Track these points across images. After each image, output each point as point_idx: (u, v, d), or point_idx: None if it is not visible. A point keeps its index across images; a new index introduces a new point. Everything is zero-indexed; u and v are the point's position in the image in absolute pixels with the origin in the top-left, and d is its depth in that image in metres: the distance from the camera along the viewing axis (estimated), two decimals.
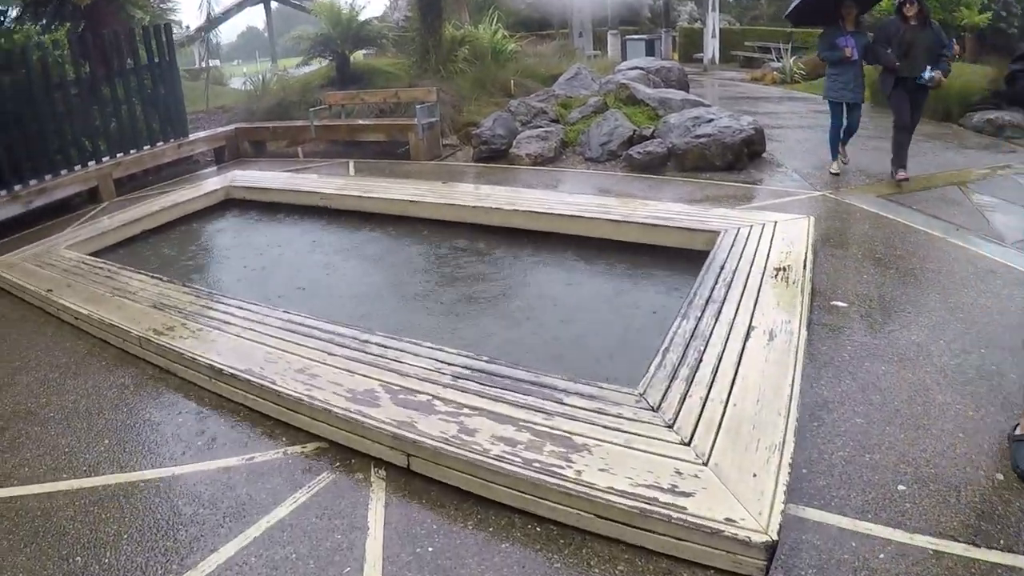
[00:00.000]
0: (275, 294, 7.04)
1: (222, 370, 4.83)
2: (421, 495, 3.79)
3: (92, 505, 4.01)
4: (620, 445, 3.57)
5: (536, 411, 3.93)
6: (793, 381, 4.09)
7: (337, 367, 4.65)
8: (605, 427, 3.73)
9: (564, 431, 3.73)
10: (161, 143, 13.52)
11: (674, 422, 3.73)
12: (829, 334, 5.35)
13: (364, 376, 4.49)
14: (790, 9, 9.87)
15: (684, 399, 3.93)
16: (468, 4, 19.33)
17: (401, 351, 4.78)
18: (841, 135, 9.89)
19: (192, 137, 14.31)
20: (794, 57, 21.74)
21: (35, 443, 4.71)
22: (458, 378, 4.36)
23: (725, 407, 3.85)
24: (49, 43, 11.93)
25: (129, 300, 6.32)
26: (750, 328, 4.76)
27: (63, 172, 11.46)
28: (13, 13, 14.02)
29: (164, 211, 9.71)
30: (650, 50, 25.64)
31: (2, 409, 5.20)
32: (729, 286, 5.43)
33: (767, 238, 6.51)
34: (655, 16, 35.17)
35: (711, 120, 10.92)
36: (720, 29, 27.31)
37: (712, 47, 26.65)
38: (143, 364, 5.64)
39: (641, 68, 15.51)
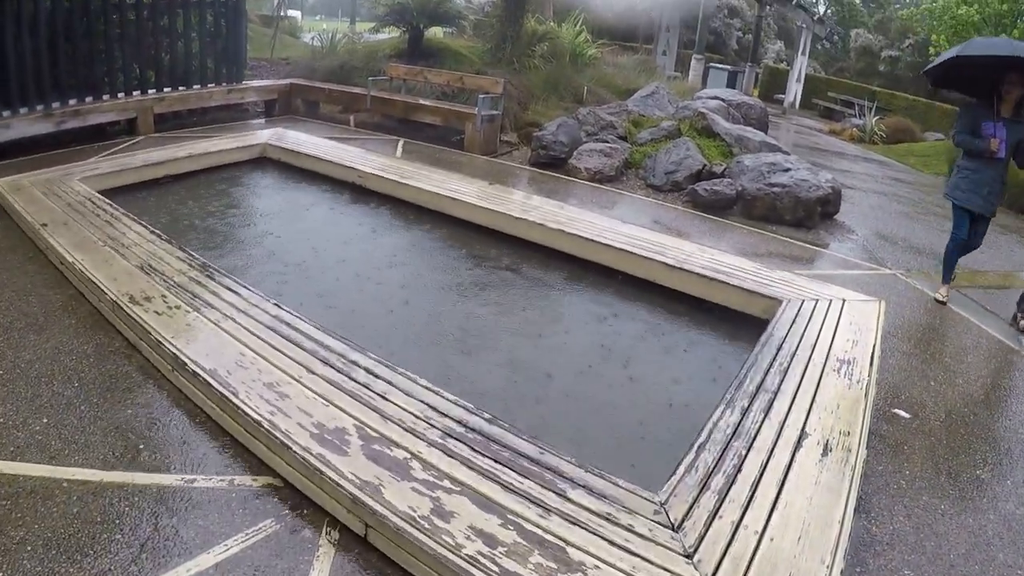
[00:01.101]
0: (275, 272, 6.52)
1: (185, 364, 4.18)
2: None
3: (6, 498, 3.41)
4: (624, 572, 2.85)
5: (531, 502, 3.21)
6: (844, 517, 3.33)
7: (312, 391, 3.97)
8: (610, 543, 3.00)
9: (559, 538, 3.01)
10: (212, 85, 12.98)
11: (695, 551, 3.00)
12: (887, 450, 4.60)
13: (340, 409, 3.80)
14: (932, 65, 7.38)
15: (712, 519, 3.19)
16: (554, 1, 18.58)
17: (390, 385, 4.07)
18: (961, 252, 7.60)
19: (244, 85, 13.74)
20: (876, 117, 20.91)
21: None
22: (448, 435, 3.65)
23: (760, 539, 3.11)
24: None
25: (118, 254, 5.71)
26: (803, 434, 4.00)
27: (105, 97, 10.95)
28: None
29: (193, 158, 9.11)
30: (732, 82, 24.84)
31: None
32: (785, 374, 4.67)
33: (832, 319, 5.73)
34: (742, 49, 34.43)
35: (788, 170, 10.13)
36: (805, 74, 26.45)
37: (795, 91, 25.86)
38: (112, 332, 5.02)
39: (722, 99, 14.68)
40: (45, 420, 4.03)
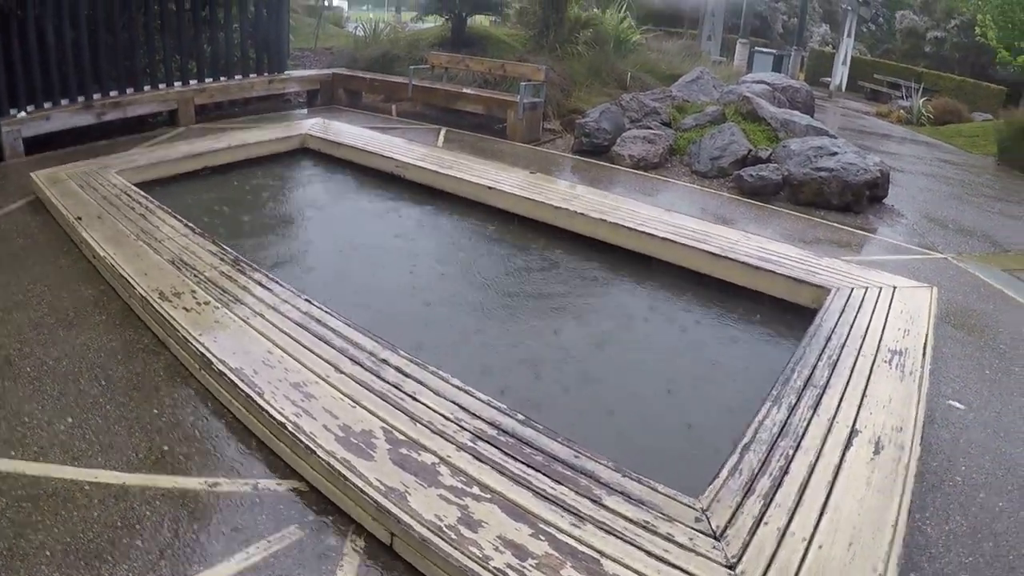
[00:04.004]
0: (309, 265, 6.54)
1: (211, 362, 4.09)
2: None
3: (28, 500, 3.35)
4: None
5: (565, 509, 3.05)
6: (898, 520, 3.12)
7: (339, 391, 3.84)
8: (647, 553, 2.83)
9: (593, 549, 2.84)
10: (254, 75, 13.00)
11: (738, 561, 2.82)
12: (941, 445, 4.37)
13: (367, 410, 3.67)
14: None
15: (757, 526, 3.01)
16: None
17: (421, 384, 3.93)
18: None
19: (286, 75, 13.72)
20: (923, 98, 20.42)
21: None
22: (478, 438, 3.49)
23: (808, 547, 2.92)
24: None
25: (151, 248, 5.66)
26: (853, 431, 3.79)
27: (146, 88, 10.99)
28: None
29: (231, 150, 9.03)
30: (777, 66, 24.37)
31: None
32: (834, 367, 4.45)
33: (883, 307, 5.49)
34: (788, 32, 33.87)
35: (835, 153, 9.83)
36: (851, 57, 25.90)
37: (841, 74, 25.32)
38: (142, 328, 4.96)
39: (767, 83, 14.35)
40: (70, 420, 3.97)
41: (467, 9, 16.14)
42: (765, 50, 26.28)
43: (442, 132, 12.35)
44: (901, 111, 20.51)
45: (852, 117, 19.94)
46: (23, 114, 9.23)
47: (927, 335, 5.08)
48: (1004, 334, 6.04)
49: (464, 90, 13.10)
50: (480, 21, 19.43)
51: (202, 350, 4.21)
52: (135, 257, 5.50)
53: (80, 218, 6.28)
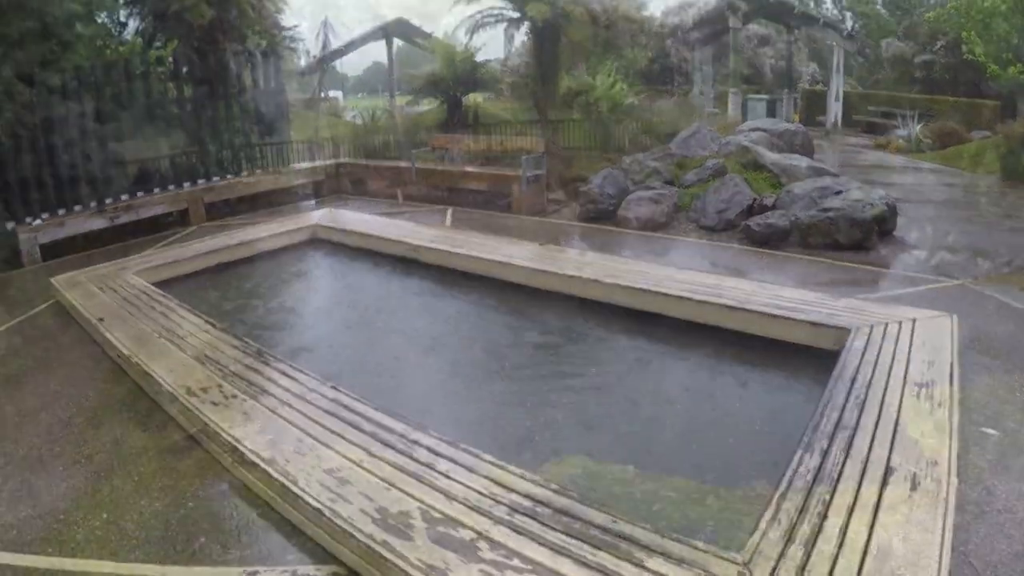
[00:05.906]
0: (332, 353, 6.60)
1: (244, 454, 4.14)
2: None
3: None
4: None
5: None
6: (941, 555, 3.10)
7: (374, 475, 3.87)
8: None
9: None
10: (259, 171, 13.25)
11: None
12: (978, 472, 4.30)
13: (402, 492, 3.70)
14: None
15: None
16: (587, 54, 18.57)
17: (453, 462, 3.96)
18: None
19: (291, 168, 14.00)
20: (920, 125, 20.43)
21: (33, 501, 4.21)
22: (515, 511, 3.50)
23: None
24: (153, 59, 11.74)
25: (175, 346, 5.77)
26: (888, 470, 3.78)
27: (156, 191, 11.27)
28: (132, 25, 14.03)
29: (244, 245, 9.24)
30: (771, 111, 24.64)
31: (14, 451, 4.77)
32: (862, 407, 4.45)
33: (905, 341, 5.50)
34: (777, 76, 34.24)
35: (839, 192, 9.89)
36: (843, 92, 26.11)
37: (835, 111, 25.45)
38: (171, 424, 5.03)
39: (764, 130, 14.52)
40: (105, 516, 4.03)
41: (461, 89, 16.44)
42: (757, 96, 26.57)
43: (449, 212, 12.48)
44: (899, 140, 20.51)
45: (851, 153, 20.02)
46: (39, 221, 9.48)
47: (952, 364, 5.09)
48: None
49: (467, 169, 13.30)
50: (474, 99, 19.74)
51: (233, 442, 4.27)
52: (159, 355, 5.61)
53: (102, 319, 6.44)
